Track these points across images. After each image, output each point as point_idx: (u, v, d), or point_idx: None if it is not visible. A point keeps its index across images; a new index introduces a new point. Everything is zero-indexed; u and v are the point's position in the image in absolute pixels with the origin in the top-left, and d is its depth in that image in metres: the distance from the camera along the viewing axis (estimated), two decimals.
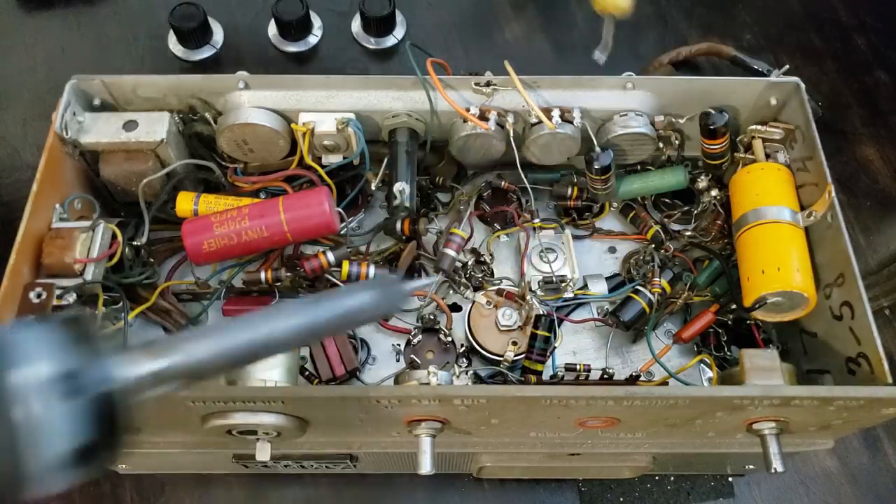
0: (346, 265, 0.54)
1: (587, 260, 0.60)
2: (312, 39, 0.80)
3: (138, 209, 0.54)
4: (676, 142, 0.57)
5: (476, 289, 0.57)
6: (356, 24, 0.81)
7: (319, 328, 0.29)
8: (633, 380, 0.51)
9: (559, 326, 0.55)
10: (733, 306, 0.53)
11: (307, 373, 0.54)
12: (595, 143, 0.55)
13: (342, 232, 0.55)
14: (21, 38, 0.84)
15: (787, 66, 0.55)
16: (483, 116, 0.54)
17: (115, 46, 0.84)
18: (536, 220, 0.58)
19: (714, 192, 0.57)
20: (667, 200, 0.61)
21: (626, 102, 0.55)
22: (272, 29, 0.81)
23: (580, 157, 0.55)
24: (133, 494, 0.61)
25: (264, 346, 0.28)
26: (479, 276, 0.57)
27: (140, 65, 0.82)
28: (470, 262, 0.57)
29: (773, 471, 0.43)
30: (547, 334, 0.50)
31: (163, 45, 0.82)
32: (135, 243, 0.53)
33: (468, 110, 0.53)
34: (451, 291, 0.58)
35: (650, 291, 0.54)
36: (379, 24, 0.79)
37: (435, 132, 0.55)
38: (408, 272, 0.56)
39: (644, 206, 0.60)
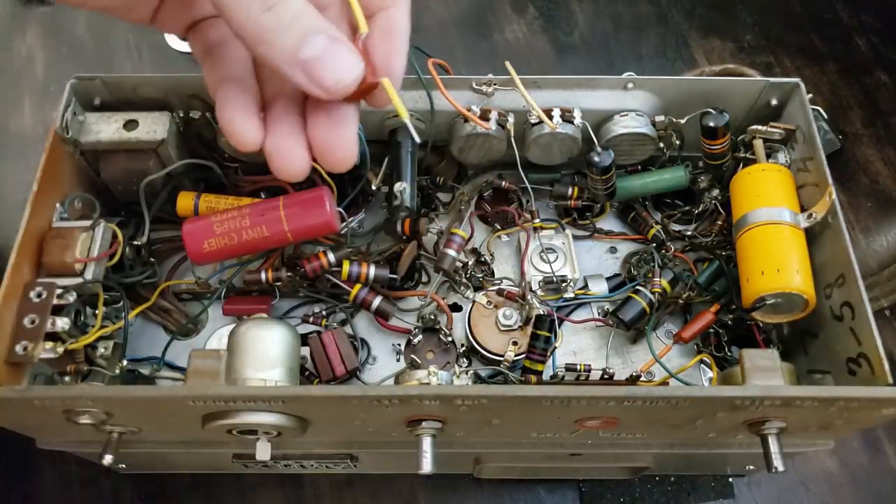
0: (346, 265, 0.54)
1: (587, 260, 0.60)
2: None
3: (139, 209, 0.54)
4: (677, 142, 0.57)
5: (476, 289, 0.57)
6: None
7: None
8: (633, 380, 0.51)
9: (560, 326, 0.55)
10: (733, 306, 0.53)
11: (307, 373, 0.54)
12: (596, 143, 0.55)
13: (342, 232, 0.55)
14: (21, 37, 0.84)
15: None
16: (484, 116, 0.54)
17: (115, 43, 0.84)
18: (537, 220, 0.58)
19: (715, 193, 0.57)
20: (667, 200, 0.61)
21: (626, 102, 0.55)
22: None
23: (581, 156, 0.55)
24: (133, 494, 0.61)
25: None
26: (480, 276, 0.57)
27: (138, 58, 0.82)
28: (470, 262, 0.57)
29: (773, 470, 0.43)
30: (547, 334, 0.50)
31: (161, 39, 0.82)
32: (135, 243, 0.53)
33: (469, 110, 0.53)
34: (452, 291, 0.58)
35: (650, 291, 0.54)
36: None
37: (436, 132, 0.55)
38: (408, 272, 0.56)
39: (644, 206, 0.60)
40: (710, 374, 0.53)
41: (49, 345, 0.45)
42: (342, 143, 0.31)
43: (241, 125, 0.31)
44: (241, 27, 0.27)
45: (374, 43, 0.31)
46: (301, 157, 0.31)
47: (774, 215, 0.50)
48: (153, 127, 0.53)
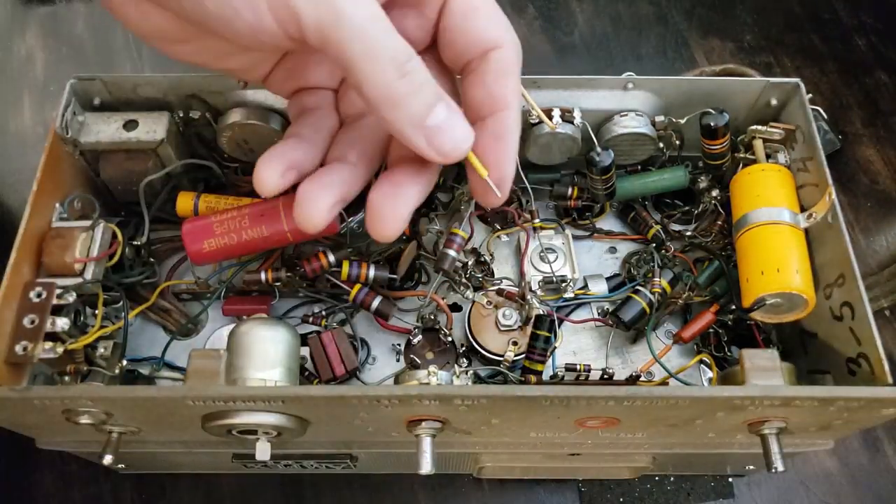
0: (346, 265, 0.54)
1: (587, 260, 0.60)
2: None
3: (138, 209, 0.54)
4: (677, 142, 0.57)
5: (476, 289, 0.57)
6: None
7: None
8: (633, 380, 0.51)
9: (559, 326, 0.55)
10: (733, 307, 0.53)
11: (307, 373, 0.54)
12: (596, 143, 0.55)
13: (342, 232, 0.55)
14: (21, 37, 0.84)
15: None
16: None
17: (115, 43, 0.84)
18: (536, 220, 0.58)
19: (714, 193, 0.57)
20: (667, 200, 0.61)
21: (626, 102, 0.55)
22: None
23: (580, 157, 0.55)
24: (133, 494, 0.61)
25: None
26: (479, 276, 0.57)
27: (138, 58, 0.82)
28: (470, 262, 0.57)
29: (773, 470, 0.43)
30: (547, 334, 0.50)
31: None
32: (135, 243, 0.53)
33: None
34: (451, 291, 0.58)
35: (650, 291, 0.54)
36: None
37: None
38: (408, 272, 0.56)
39: (644, 206, 0.60)
40: (710, 374, 0.53)
41: (49, 345, 0.45)
42: (390, 214, 0.32)
43: (267, 167, 0.33)
44: (373, 91, 0.28)
45: (486, 147, 0.32)
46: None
47: (774, 215, 0.50)
48: (153, 127, 0.53)
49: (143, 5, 0.30)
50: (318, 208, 0.33)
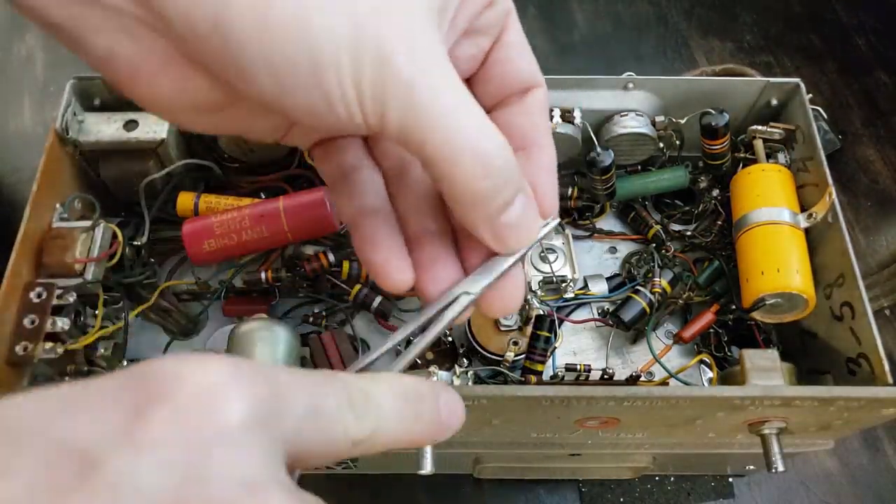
0: (346, 265, 0.54)
1: (587, 260, 0.60)
2: None
3: (138, 209, 0.54)
4: (677, 142, 0.57)
5: None
6: None
7: None
8: (633, 380, 0.51)
9: (560, 326, 0.55)
10: (733, 306, 0.53)
11: None
12: (596, 143, 0.55)
13: (342, 232, 0.55)
14: (21, 37, 0.84)
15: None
16: None
17: None
18: None
19: (715, 193, 0.57)
20: (667, 200, 0.61)
21: (626, 102, 0.55)
22: None
23: (580, 157, 0.55)
24: None
25: None
26: None
27: None
28: None
29: (773, 470, 0.43)
30: (547, 334, 0.50)
31: None
32: (135, 243, 0.53)
33: None
34: None
35: (650, 291, 0.54)
36: None
37: None
38: None
39: (644, 206, 0.60)
40: (710, 374, 0.53)
41: (49, 345, 0.45)
42: (511, 291, 0.30)
43: (395, 267, 0.29)
44: (453, 189, 0.26)
45: (535, 177, 0.31)
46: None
47: (774, 215, 0.50)
48: (153, 127, 0.53)
49: (184, 72, 0.27)
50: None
